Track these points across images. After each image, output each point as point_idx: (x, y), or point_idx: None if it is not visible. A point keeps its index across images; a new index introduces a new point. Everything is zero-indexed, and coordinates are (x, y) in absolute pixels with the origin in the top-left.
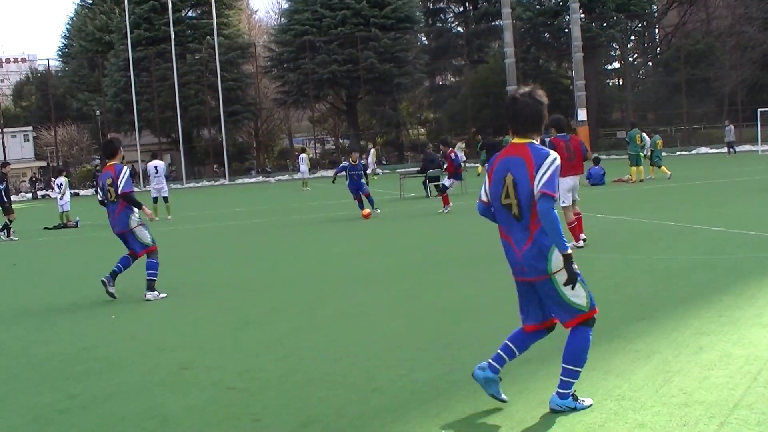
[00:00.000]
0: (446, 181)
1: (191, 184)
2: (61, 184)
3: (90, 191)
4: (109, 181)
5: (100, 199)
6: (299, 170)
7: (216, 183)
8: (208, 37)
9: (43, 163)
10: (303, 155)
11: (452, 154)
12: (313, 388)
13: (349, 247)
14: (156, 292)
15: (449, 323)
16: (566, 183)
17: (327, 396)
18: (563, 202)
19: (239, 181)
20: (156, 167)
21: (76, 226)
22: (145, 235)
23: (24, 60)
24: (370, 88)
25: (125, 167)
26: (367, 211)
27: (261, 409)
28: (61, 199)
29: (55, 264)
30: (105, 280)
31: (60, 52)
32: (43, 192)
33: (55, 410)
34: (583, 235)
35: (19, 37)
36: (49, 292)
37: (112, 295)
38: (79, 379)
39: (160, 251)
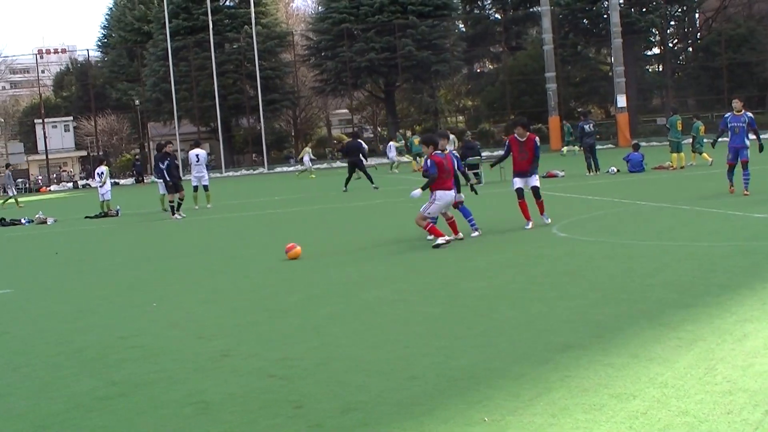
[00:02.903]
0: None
1: (230, 173)
2: (102, 173)
3: (130, 180)
4: None
5: None
6: (388, 157)
7: (255, 172)
8: (246, 26)
9: (84, 153)
10: (392, 143)
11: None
12: (351, 376)
13: (387, 233)
14: None
15: (486, 310)
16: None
17: (365, 383)
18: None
19: (278, 169)
20: (197, 155)
21: (117, 214)
22: None
23: (64, 51)
24: (408, 75)
25: None
26: None
27: (301, 397)
28: (101, 188)
29: (95, 252)
30: None
31: (99, 43)
32: (84, 181)
33: (95, 397)
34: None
35: (59, 28)
36: (90, 280)
37: None
38: (119, 367)
39: (201, 239)
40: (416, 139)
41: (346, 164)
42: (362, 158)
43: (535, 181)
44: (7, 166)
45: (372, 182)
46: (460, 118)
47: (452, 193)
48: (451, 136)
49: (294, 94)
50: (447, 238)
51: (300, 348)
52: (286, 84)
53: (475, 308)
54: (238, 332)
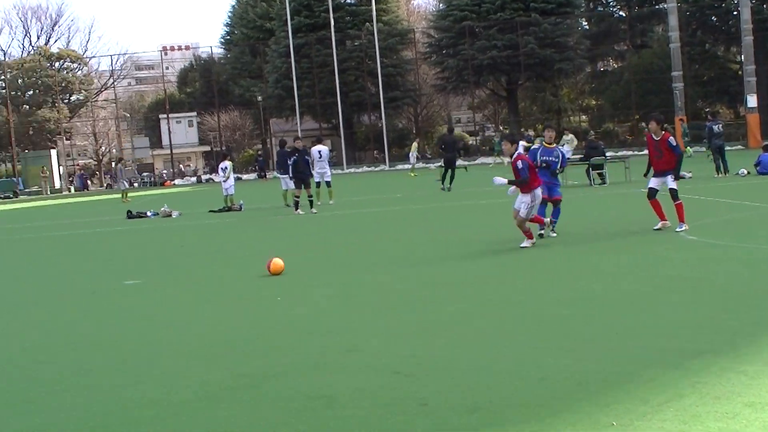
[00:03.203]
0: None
1: (351, 170)
2: (226, 168)
3: (253, 175)
4: None
5: None
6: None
7: (376, 168)
8: (367, 23)
9: (207, 148)
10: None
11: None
12: (479, 375)
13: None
14: None
15: (615, 313)
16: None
17: (493, 383)
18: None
19: (399, 166)
20: (320, 152)
21: (240, 209)
22: None
23: (188, 48)
24: (530, 73)
25: None
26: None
27: (427, 395)
28: (225, 182)
29: (220, 246)
30: None
31: (222, 40)
32: (208, 176)
33: (224, 387)
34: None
35: (183, 25)
36: (217, 272)
37: None
38: (247, 358)
39: (323, 234)
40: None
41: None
42: (458, 154)
43: (672, 182)
44: (120, 160)
45: (450, 183)
46: (584, 117)
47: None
48: (570, 136)
49: (415, 92)
50: (533, 241)
51: (427, 345)
52: (408, 81)
53: (604, 310)
54: (365, 328)
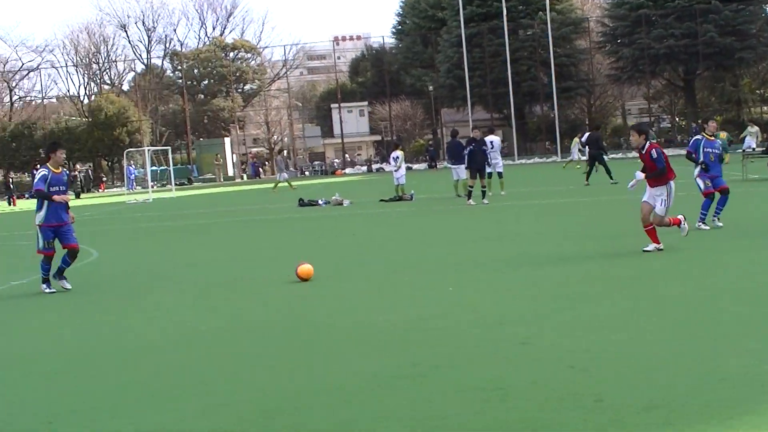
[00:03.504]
0: None
1: (523, 161)
2: (397, 157)
3: (423, 165)
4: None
5: None
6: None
7: (548, 160)
8: (541, 12)
9: (378, 137)
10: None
11: None
12: (656, 372)
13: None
14: (44, 286)
15: None
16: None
17: (671, 381)
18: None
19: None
20: (491, 142)
21: (411, 199)
22: (38, 239)
23: (359, 38)
24: (709, 63)
25: (42, 171)
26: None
27: (602, 390)
28: (396, 172)
29: (391, 235)
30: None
31: (394, 30)
32: (378, 165)
33: (397, 376)
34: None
35: (354, 15)
36: (389, 261)
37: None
38: (419, 348)
39: (494, 225)
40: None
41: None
42: (602, 150)
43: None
44: (279, 151)
45: (610, 176)
46: (765, 108)
47: None
48: (755, 128)
49: (589, 82)
50: (661, 247)
51: (602, 340)
52: (581, 71)
53: None
54: (539, 320)
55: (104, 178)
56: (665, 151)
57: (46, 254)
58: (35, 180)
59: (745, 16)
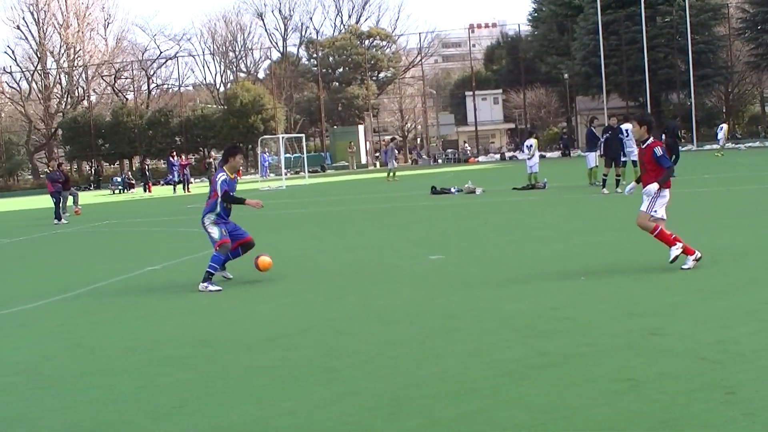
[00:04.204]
0: None
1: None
2: (531, 145)
3: (557, 153)
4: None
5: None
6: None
7: (683, 149)
8: None
9: (511, 125)
10: (723, 125)
11: None
12: None
13: None
14: (206, 284)
15: None
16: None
17: None
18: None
19: (707, 147)
20: (627, 130)
21: (544, 187)
22: (213, 232)
23: (495, 25)
24: None
25: (223, 175)
26: None
27: (734, 383)
28: (530, 160)
29: (523, 223)
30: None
31: (530, 17)
32: (511, 153)
33: (525, 366)
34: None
35: (490, 3)
36: (520, 249)
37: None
38: (548, 338)
39: (627, 213)
40: None
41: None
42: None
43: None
44: (392, 140)
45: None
46: None
47: None
48: None
49: (727, 69)
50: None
51: (735, 332)
52: (719, 58)
53: None
54: (670, 311)
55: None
56: None
57: (224, 242)
58: (218, 184)
59: None
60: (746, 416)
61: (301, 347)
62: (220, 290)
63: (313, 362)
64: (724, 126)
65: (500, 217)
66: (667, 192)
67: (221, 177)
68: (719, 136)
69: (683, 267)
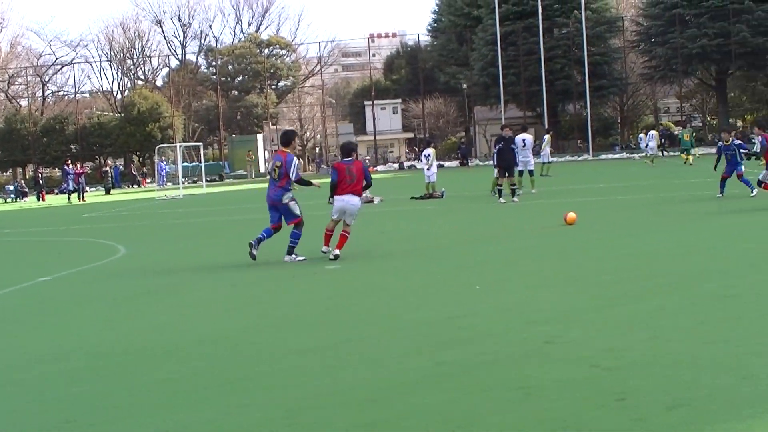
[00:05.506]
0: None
1: (554, 159)
2: (429, 155)
3: (455, 163)
4: (278, 163)
5: (268, 170)
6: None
7: (579, 158)
8: (576, 11)
9: (410, 135)
10: (653, 131)
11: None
12: (680, 371)
13: (726, 224)
14: (293, 256)
15: None
16: (338, 201)
17: (694, 380)
18: (332, 215)
19: (602, 156)
20: (524, 140)
21: (442, 196)
22: (295, 208)
23: (395, 35)
24: (741, 63)
25: (295, 158)
26: None
27: (625, 389)
28: (428, 170)
29: (421, 233)
30: (252, 242)
31: (429, 27)
32: (410, 163)
33: (422, 375)
34: (336, 251)
35: (390, 13)
36: (418, 260)
37: (253, 256)
38: (446, 347)
39: (524, 223)
40: (686, 134)
41: None
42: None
43: None
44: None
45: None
46: None
47: None
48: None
49: (622, 81)
50: None
51: (627, 339)
52: (614, 70)
53: None
54: (565, 319)
55: (146, 173)
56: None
57: (300, 221)
58: (294, 168)
59: None
60: (635, 422)
61: (198, 359)
62: (305, 259)
63: (209, 374)
64: (654, 132)
65: (398, 227)
66: None
67: (296, 162)
68: (650, 144)
69: None
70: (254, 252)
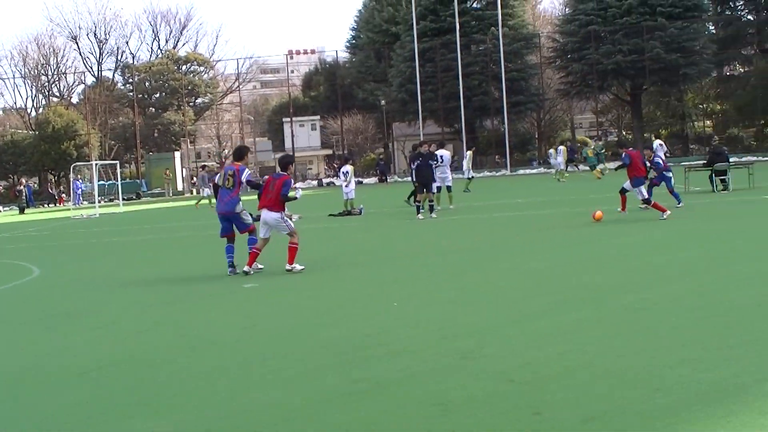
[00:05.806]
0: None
1: (472, 174)
2: (347, 172)
3: (374, 179)
4: (230, 172)
5: (216, 183)
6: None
7: (497, 174)
8: (493, 28)
9: (329, 152)
10: (561, 147)
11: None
12: (594, 384)
13: (636, 239)
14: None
15: (739, 322)
16: (264, 215)
17: (608, 392)
18: (262, 233)
19: (520, 171)
20: (441, 156)
21: (360, 213)
22: (247, 217)
23: (313, 51)
24: (655, 78)
25: (247, 169)
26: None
27: (541, 403)
28: (346, 186)
29: (339, 250)
30: (230, 271)
31: (348, 44)
32: (329, 179)
33: (339, 393)
34: (259, 265)
35: (309, 30)
36: (336, 276)
37: (245, 272)
38: (362, 364)
39: (442, 239)
40: (590, 150)
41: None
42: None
43: None
44: (203, 167)
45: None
46: (708, 122)
47: None
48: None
49: (539, 96)
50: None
51: (543, 353)
52: (531, 86)
53: (728, 320)
54: (482, 334)
55: (63, 192)
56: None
57: (253, 228)
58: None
59: (689, 34)
60: None
61: (112, 381)
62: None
63: (123, 396)
64: (562, 148)
65: (317, 244)
66: None
67: (248, 171)
68: (559, 159)
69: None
70: (238, 271)
